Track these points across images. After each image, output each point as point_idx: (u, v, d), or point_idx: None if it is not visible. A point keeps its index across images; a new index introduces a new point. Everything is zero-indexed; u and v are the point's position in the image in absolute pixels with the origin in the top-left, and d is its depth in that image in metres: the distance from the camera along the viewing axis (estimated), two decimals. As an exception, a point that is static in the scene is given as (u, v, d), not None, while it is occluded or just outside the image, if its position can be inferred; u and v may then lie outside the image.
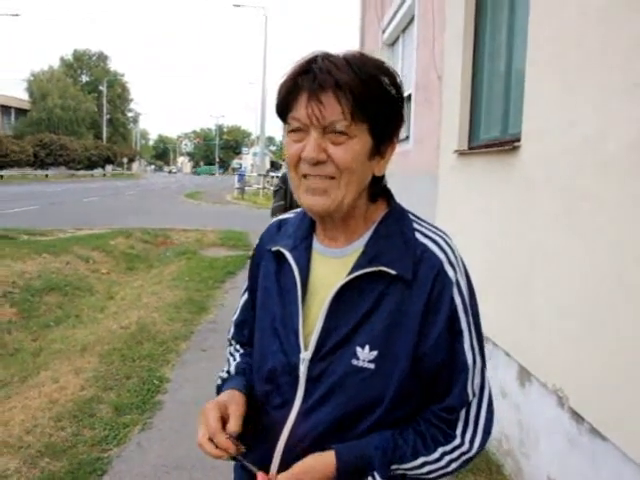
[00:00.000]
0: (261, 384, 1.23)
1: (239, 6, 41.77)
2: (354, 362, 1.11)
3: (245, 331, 1.39)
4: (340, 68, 1.05)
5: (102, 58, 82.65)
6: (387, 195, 1.22)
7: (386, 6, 8.23)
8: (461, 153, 4.40)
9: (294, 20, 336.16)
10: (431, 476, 1.14)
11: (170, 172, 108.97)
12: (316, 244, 1.22)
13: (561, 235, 2.75)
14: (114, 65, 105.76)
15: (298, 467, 1.10)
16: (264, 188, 30.21)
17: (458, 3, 4.44)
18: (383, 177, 1.19)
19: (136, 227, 14.26)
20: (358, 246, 1.16)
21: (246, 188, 30.76)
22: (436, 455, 1.13)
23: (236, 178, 32.62)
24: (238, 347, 1.40)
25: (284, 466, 1.13)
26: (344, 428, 1.13)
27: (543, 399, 2.90)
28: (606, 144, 2.39)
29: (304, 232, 1.23)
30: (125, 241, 12.20)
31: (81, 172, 59.88)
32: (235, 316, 1.43)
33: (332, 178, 1.09)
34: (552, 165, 2.86)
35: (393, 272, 1.10)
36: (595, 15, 2.52)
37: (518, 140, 3.25)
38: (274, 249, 1.24)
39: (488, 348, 3.71)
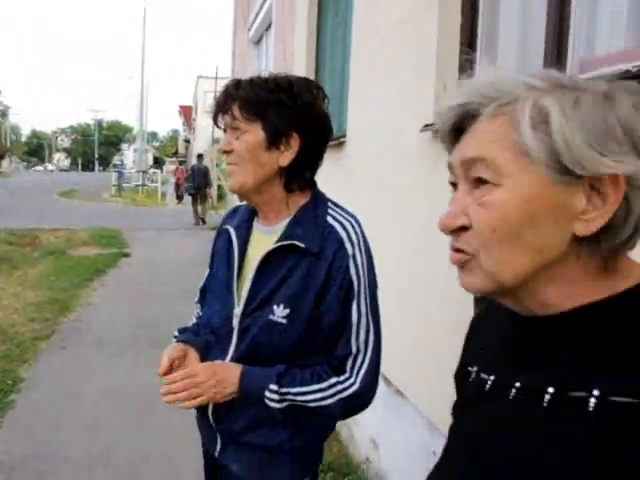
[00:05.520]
0: (206, 335, 1.57)
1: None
2: (271, 317, 1.41)
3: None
4: (241, 86, 1.41)
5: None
6: (312, 186, 1.52)
7: (251, 8, 8.43)
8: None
9: (173, 15, 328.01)
10: (315, 404, 1.38)
11: (46, 169, 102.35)
12: (256, 223, 1.55)
13: (375, 228, 3.05)
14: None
15: (213, 363, 1.45)
16: (144, 185, 29.40)
17: (303, 4, 4.70)
18: (307, 171, 1.48)
19: (0, 228, 13.50)
20: (282, 225, 1.46)
21: (124, 185, 29.46)
22: (321, 385, 1.39)
23: (114, 175, 31.21)
24: (199, 310, 1.74)
25: (216, 405, 1.46)
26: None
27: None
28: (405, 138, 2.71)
29: (248, 214, 1.56)
30: (-15, 243, 11.53)
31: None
32: (200, 284, 1.76)
33: (236, 165, 1.42)
34: (366, 159, 3.18)
35: (302, 245, 1.40)
36: (394, 20, 2.85)
37: (344, 136, 3.55)
38: (224, 227, 1.59)
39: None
